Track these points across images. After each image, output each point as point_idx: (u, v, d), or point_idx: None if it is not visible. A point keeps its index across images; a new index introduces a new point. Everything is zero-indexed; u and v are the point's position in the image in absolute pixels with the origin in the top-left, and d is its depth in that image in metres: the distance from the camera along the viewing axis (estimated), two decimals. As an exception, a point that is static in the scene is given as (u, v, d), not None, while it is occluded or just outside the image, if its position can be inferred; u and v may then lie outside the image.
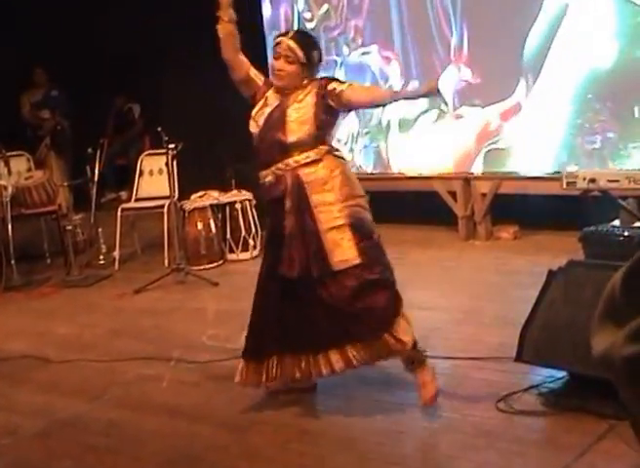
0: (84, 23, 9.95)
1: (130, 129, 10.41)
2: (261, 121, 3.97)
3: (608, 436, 3.46)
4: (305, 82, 3.95)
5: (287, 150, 3.89)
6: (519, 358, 3.91)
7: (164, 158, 6.98)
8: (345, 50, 8.01)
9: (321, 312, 3.86)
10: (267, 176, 3.95)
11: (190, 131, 8.11)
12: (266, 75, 4.18)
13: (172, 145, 6.79)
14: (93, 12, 9.83)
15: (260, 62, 4.44)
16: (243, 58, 4.09)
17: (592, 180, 3.89)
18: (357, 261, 3.81)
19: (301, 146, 3.88)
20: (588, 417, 3.60)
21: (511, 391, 3.93)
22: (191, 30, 9.15)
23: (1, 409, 4.62)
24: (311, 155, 3.88)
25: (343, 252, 3.81)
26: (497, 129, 7.09)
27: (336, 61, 8.04)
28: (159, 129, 6.84)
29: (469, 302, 5.53)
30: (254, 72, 4.11)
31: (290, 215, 3.87)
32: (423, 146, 7.53)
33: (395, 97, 4.27)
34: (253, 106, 4.05)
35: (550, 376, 3.97)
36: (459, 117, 7.26)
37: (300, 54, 3.91)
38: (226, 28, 4.09)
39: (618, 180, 3.88)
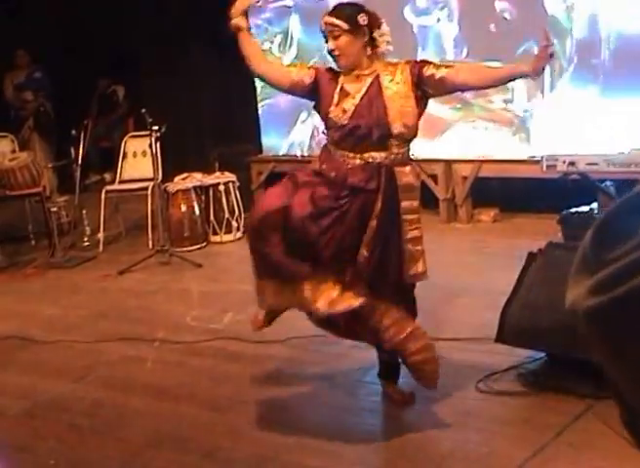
0: (68, 5, 9.91)
1: (114, 111, 10.38)
2: (351, 111, 3.61)
3: (586, 415, 3.53)
4: (379, 59, 3.66)
5: (386, 142, 3.59)
6: (499, 339, 3.97)
7: (148, 140, 6.98)
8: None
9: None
10: (354, 159, 3.61)
11: (174, 113, 8.12)
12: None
13: (155, 127, 6.79)
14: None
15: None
16: (276, 64, 3.82)
17: (572, 164, 3.95)
18: (426, 277, 3.73)
19: (400, 141, 3.61)
20: (567, 397, 3.68)
21: (491, 372, 4.00)
22: (177, 12, 9.17)
23: (-14, 389, 4.66)
24: (406, 154, 3.66)
25: (417, 265, 3.68)
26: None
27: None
28: (143, 110, 6.85)
29: (450, 284, 5.57)
30: (296, 72, 3.76)
31: (379, 217, 3.59)
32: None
33: (505, 78, 3.75)
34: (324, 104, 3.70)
35: (530, 357, 4.03)
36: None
37: (341, 22, 3.60)
38: (249, 42, 3.76)
39: (596, 164, 3.94)
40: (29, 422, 4.19)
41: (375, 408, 3.90)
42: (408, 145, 3.67)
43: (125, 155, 8.05)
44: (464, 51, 7.20)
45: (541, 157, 4.25)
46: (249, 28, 3.79)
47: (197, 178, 7.56)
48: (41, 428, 4.11)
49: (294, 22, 8.32)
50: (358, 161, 3.60)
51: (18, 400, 4.45)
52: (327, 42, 3.66)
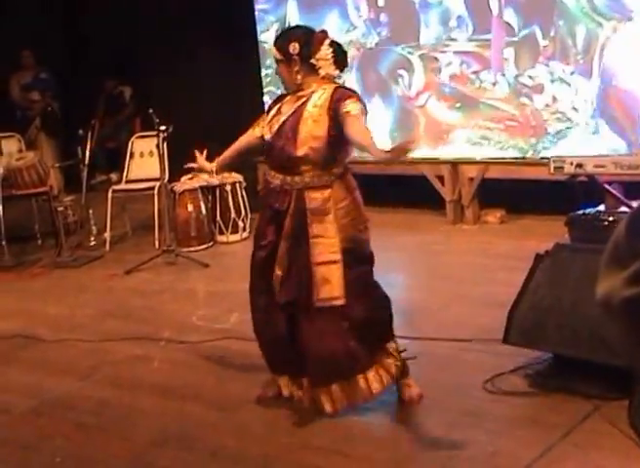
0: (75, 6, 9.93)
1: (121, 111, 10.39)
2: (275, 128, 3.79)
3: (593, 416, 3.53)
4: (319, 81, 3.76)
5: (297, 164, 3.69)
6: (506, 340, 3.97)
7: (155, 140, 6.99)
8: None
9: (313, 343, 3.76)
10: (274, 179, 3.78)
11: (181, 113, 8.12)
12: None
13: (162, 128, 6.80)
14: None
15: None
16: (245, 136, 4.02)
17: (579, 165, 3.94)
18: (340, 302, 3.68)
19: (312, 164, 3.69)
20: (574, 398, 3.67)
21: (498, 372, 3.99)
22: (183, 13, 9.18)
23: (-7, 387, 4.67)
24: (323, 177, 3.71)
25: (329, 289, 3.68)
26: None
27: None
28: (150, 111, 6.86)
29: (457, 285, 5.59)
30: (258, 129, 3.94)
31: (286, 240, 3.72)
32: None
33: (372, 154, 3.67)
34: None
35: (537, 358, 4.03)
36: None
37: (275, 52, 3.85)
38: (227, 160, 4.16)
39: (604, 166, 3.93)
40: (35, 420, 4.21)
41: (380, 407, 3.89)
42: (325, 169, 3.71)
43: (132, 155, 8.08)
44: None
45: (549, 159, 4.24)
46: (221, 166, 4.19)
47: (204, 179, 7.55)
48: (47, 426, 4.13)
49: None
50: (277, 182, 3.78)
51: (24, 398, 4.46)
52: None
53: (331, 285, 3.67)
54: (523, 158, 7.03)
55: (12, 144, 8.55)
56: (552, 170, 4.06)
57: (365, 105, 3.77)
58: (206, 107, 9.05)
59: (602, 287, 1.10)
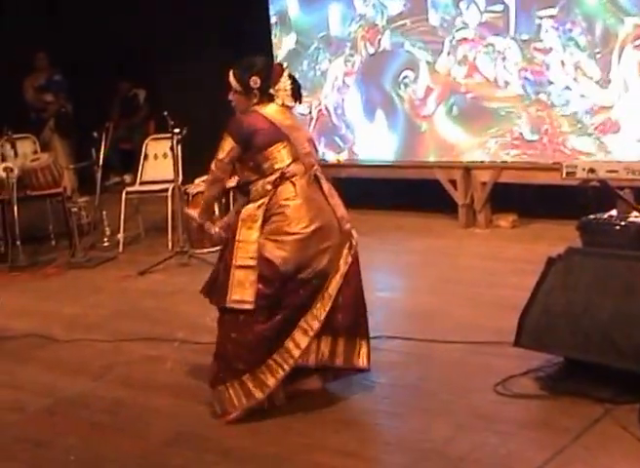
0: (90, 10, 9.99)
1: (135, 114, 10.46)
2: None
3: (604, 419, 3.53)
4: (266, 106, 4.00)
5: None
6: (517, 343, 3.98)
7: (169, 142, 7.05)
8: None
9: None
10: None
11: (194, 115, 8.16)
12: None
13: (176, 130, 6.85)
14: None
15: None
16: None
17: (591, 171, 3.95)
18: (249, 307, 3.85)
19: (247, 185, 3.99)
20: (585, 401, 3.68)
21: (509, 375, 4.01)
22: (197, 16, 9.22)
23: (7, 386, 4.70)
24: (255, 194, 3.95)
25: (242, 292, 3.86)
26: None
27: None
28: (165, 113, 6.91)
29: (468, 288, 5.60)
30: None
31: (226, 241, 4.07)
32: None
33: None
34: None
35: (548, 361, 4.04)
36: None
37: (235, 84, 4.00)
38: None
39: (616, 171, 3.94)
40: (49, 419, 4.24)
41: (392, 409, 3.91)
42: (262, 179, 3.92)
43: (146, 157, 8.13)
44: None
45: (561, 163, 4.25)
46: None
47: (217, 181, 7.59)
48: (61, 425, 4.16)
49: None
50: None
51: (38, 397, 4.50)
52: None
53: (245, 289, 3.86)
54: (535, 163, 7.04)
55: (26, 146, 8.60)
56: (564, 175, 4.07)
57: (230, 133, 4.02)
58: (220, 110, 9.07)
59: None
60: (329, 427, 3.82)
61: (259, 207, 3.90)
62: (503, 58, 7.09)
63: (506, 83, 7.11)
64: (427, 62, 7.55)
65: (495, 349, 4.36)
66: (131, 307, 5.97)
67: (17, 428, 4.16)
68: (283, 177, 3.90)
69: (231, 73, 4.02)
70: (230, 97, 4.06)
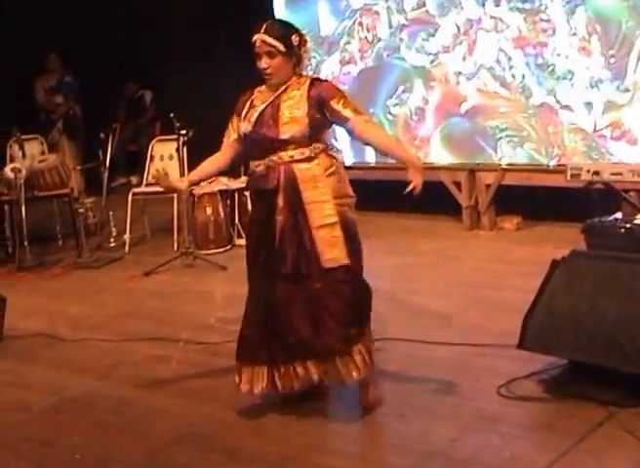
0: (98, 9, 10.01)
1: (141, 115, 10.49)
2: (253, 119, 3.84)
3: (607, 423, 3.53)
4: (297, 73, 3.86)
5: (280, 146, 3.78)
6: (521, 345, 3.99)
7: (175, 144, 7.09)
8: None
9: (301, 318, 3.78)
10: (258, 166, 3.84)
11: (201, 117, 8.18)
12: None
13: (183, 131, 6.88)
14: (107, -2, 9.91)
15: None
16: (223, 147, 4.08)
17: (596, 173, 3.97)
18: (345, 262, 3.75)
19: (296, 143, 3.78)
20: (588, 404, 3.67)
21: (513, 377, 4.01)
22: (204, 17, 9.24)
23: (14, 385, 4.73)
24: (306, 152, 3.78)
25: (333, 250, 3.75)
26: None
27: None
28: (171, 115, 6.93)
29: (472, 290, 5.61)
30: (233, 135, 4.00)
31: (282, 211, 3.77)
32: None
33: (394, 155, 4.00)
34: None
35: (551, 364, 4.04)
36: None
37: (277, 43, 3.74)
38: (202, 175, 4.25)
39: (621, 173, 3.96)
40: (55, 418, 4.26)
41: (395, 411, 3.92)
42: (308, 146, 3.80)
43: (152, 158, 8.17)
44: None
45: (566, 166, 4.27)
46: (192, 182, 4.25)
47: (223, 182, 7.63)
48: (66, 424, 4.17)
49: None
50: (261, 166, 3.83)
51: (44, 396, 4.52)
52: (258, 59, 3.79)
53: (333, 246, 3.75)
54: (539, 165, 7.05)
55: (34, 146, 8.66)
56: (569, 177, 4.09)
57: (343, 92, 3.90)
58: (227, 112, 9.09)
59: None
60: (333, 428, 3.84)
61: (315, 167, 3.80)
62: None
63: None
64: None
65: (498, 351, 4.36)
66: (136, 307, 6.00)
67: (22, 427, 4.18)
68: (327, 148, 3.92)
69: (266, 34, 3.75)
70: (265, 63, 3.77)
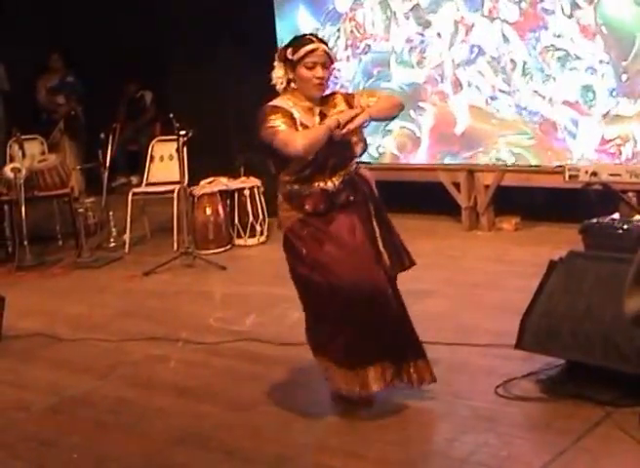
0: (99, 11, 10.03)
1: (141, 115, 10.51)
2: None
3: (604, 422, 3.54)
4: None
5: (350, 161, 3.85)
6: (519, 345, 4.00)
7: (175, 144, 7.09)
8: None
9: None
10: (333, 183, 3.76)
11: (201, 117, 8.20)
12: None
13: (183, 132, 6.89)
14: (108, -1, 9.93)
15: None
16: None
17: (594, 174, 3.98)
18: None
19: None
20: (586, 404, 3.68)
21: (511, 377, 4.03)
22: (205, 18, 9.25)
23: (13, 385, 4.74)
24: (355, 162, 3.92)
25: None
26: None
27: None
28: (171, 115, 6.94)
29: (471, 291, 5.63)
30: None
31: (374, 221, 3.87)
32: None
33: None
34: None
35: (549, 364, 4.05)
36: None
37: (332, 55, 3.80)
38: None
39: (619, 174, 3.97)
40: (54, 417, 4.27)
41: (395, 410, 3.93)
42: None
43: (152, 158, 8.18)
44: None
45: (564, 166, 4.28)
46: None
47: (223, 183, 7.65)
48: (65, 424, 4.19)
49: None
50: (337, 182, 3.78)
51: (43, 395, 4.53)
52: (311, 68, 3.69)
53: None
54: (538, 166, 7.06)
55: (34, 146, 8.66)
56: (567, 178, 4.10)
57: None
58: (227, 112, 9.11)
59: (632, 304, 1.17)
60: (332, 428, 3.85)
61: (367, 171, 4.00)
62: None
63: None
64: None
65: (496, 351, 4.37)
66: (136, 307, 6.01)
67: (21, 427, 4.18)
68: None
69: (325, 45, 3.76)
70: (325, 73, 3.73)
